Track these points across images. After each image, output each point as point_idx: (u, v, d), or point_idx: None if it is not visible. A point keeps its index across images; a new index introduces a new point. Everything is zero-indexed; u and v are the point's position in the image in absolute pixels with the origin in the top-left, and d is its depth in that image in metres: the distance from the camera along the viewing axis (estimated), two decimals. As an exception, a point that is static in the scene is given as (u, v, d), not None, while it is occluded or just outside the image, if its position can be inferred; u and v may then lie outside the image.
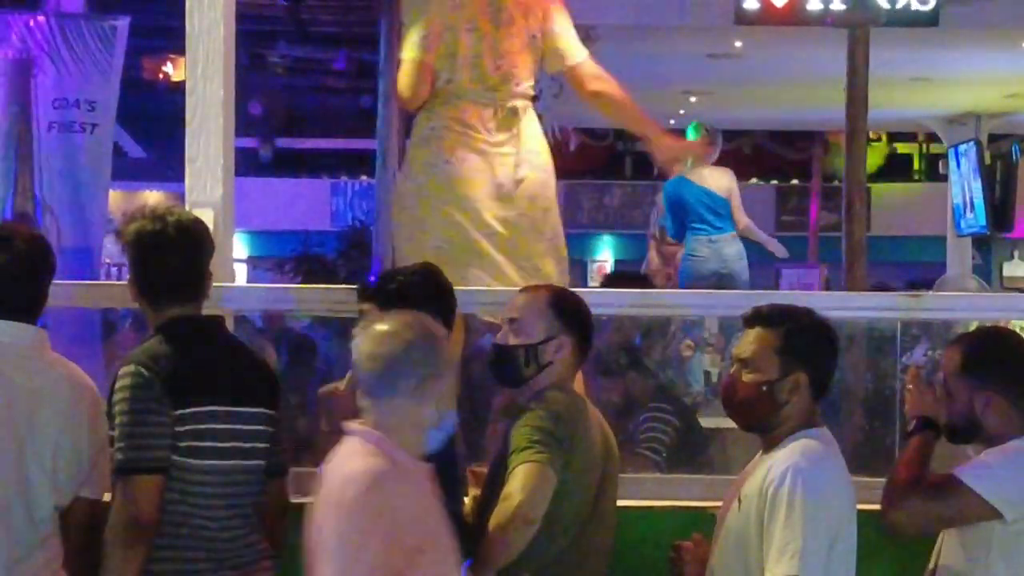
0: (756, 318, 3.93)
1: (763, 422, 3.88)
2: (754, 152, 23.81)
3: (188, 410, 3.85)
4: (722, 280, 9.34)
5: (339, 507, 3.34)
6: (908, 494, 3.89)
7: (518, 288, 4.48)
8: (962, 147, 14.35)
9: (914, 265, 19.71)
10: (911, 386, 4.11)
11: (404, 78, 5.25)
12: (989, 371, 3.95)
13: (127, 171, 20.19)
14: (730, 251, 9.76)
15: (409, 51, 5.23)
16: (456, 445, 4.18)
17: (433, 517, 3.48)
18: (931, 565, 4.03)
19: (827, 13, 8.75)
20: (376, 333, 3.51)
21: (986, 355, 4.01)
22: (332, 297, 5.01)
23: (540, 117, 5.61)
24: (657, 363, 7.39)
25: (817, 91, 12.22)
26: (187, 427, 3.85)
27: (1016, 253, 23.33)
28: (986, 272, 21.45)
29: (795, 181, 25.41)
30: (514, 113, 5.32)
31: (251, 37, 18.42)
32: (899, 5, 8.85)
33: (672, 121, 17.59)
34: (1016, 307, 5.27)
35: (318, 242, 20.25)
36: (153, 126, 18.96)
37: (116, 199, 16.83)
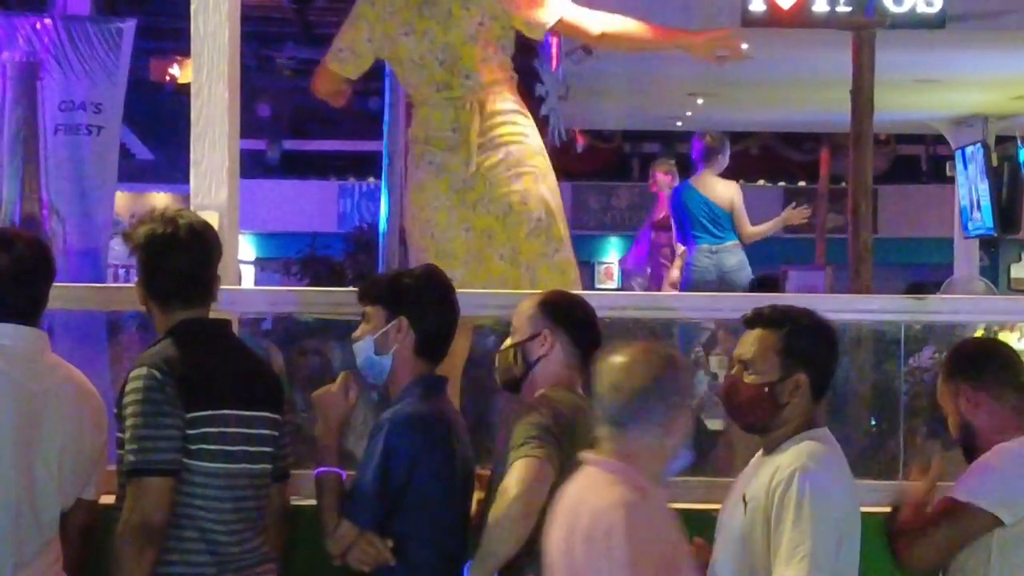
0: (757, 319, 3.96)
1: (764, 423, 3.91)
2: (762, 154, 23.80)
3: (199, 413, 3.86)
4: (723, 291, 9.34)
5: (592, 540, 3.35)
6: (917, 534, 3.96)
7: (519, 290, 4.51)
8: (969, 149, 14.32)
9: (921, 267, 19.70)
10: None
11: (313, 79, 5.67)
12: (967, 371, 4.10)
13: (134, 173, 20.21)
14: (731, 261, 9.77)
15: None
16: (466, 445, 4.19)
17: (682, 543, 3.54)
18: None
19: (833, 16, 8.74)
20: (623, 364, 3.51)
21: (963, 358, 4.19)
22: (336, 299, 5.02)
23: (546, 118, 5.62)
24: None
25: (824, 93, 12.19)
26: (198, 430, 3.87)
27: (1024, 255, 23.31)
28: (994, 274, 21.42)
29: (802, 183, 25.37)
30: (475, 108, 5.33)
31: (258, 39, 18.42)
32: (905, 8, 8.84)
33: (679, 123, 17.60)
34: (1022, 310, 5.27)
35: (325, 244, 20.23)
36: (160, 128, 18.97)
37: (123, 200, 16.90)
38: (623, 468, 3.43)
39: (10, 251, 4.01)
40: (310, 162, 26.95)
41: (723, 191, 9.88)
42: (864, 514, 3.86)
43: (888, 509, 4.30)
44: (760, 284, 9.39)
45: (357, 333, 4.19)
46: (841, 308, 5.21)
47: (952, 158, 15.20)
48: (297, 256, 19.87)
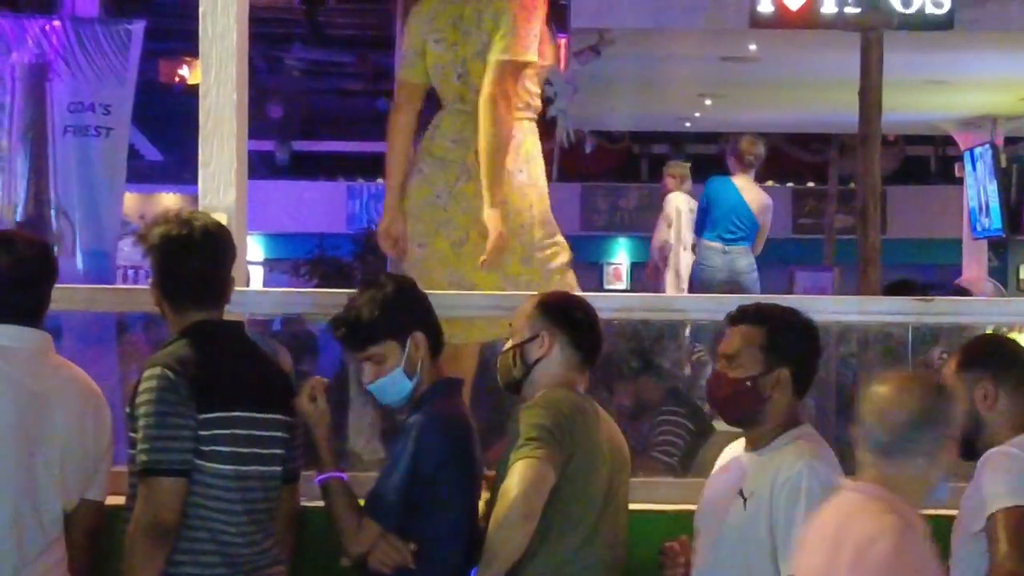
0: (741, 316, 4.07)
1: (748, 416, 4.01)
2: (771, 154, 23.73)
3: (212, 414, 3.87)
4: (732, 291, 9.36)
5: (861, 565, 3.31)
6: (1004, 561, 3.86)
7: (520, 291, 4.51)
8: (977, 150, 14.33)
9: (930, 268, 19.67)
10: None
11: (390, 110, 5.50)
12: (989, 365, 4.04)
13: (143, 173, 20.22)
14: (741, 263, 9.85)
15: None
16: (475, 445, 4.20)
17: (941, 573, 3.53)
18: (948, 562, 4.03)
19: (841, 17, 8.74)
20: (892, 391, 3.48)
21: (987, 351, 4.15)
22: (344, 301, 5.02)
23: (554, 120, 5.61)
24: (670, 367, 7.38)
25: (832, 94, 12.20)
26: (210, 432, 3.87)
27: (1033, 255, 23.26)
28: (1003, 275, 21.41)
29: (811, 183, 25.35)
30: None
31: (267, 40, 18.42)
32: (914, 8, 8.84)
33: (687, 124, 17.61)
34: (1028, 311, 5.27)
35: (334, 245, 20.26)
36: (169, 128, 18.98)
37: (132, 201, 16.89)
38: (885, 494, 3.41)
39: (11, 252, 4.02)
40: (319, 163, 26.94)
41: (760, 198, 10.01)
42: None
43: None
44: (901, 287, 9.34)
45: (371, 376, 4.14)
46: (848, 309, 5.22)
47: (961, 159, 15.20)
48: (306, 257, 19.89)
